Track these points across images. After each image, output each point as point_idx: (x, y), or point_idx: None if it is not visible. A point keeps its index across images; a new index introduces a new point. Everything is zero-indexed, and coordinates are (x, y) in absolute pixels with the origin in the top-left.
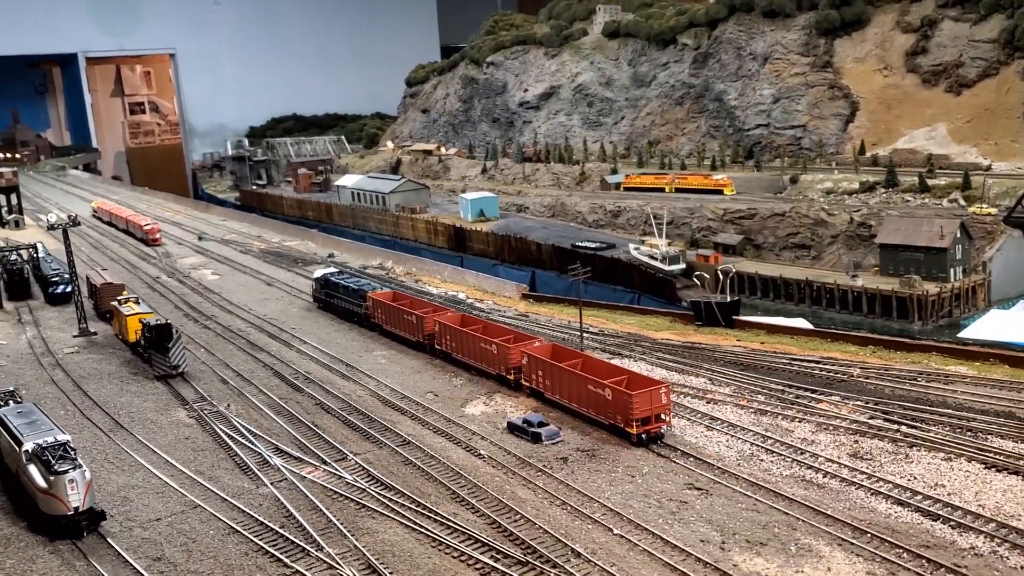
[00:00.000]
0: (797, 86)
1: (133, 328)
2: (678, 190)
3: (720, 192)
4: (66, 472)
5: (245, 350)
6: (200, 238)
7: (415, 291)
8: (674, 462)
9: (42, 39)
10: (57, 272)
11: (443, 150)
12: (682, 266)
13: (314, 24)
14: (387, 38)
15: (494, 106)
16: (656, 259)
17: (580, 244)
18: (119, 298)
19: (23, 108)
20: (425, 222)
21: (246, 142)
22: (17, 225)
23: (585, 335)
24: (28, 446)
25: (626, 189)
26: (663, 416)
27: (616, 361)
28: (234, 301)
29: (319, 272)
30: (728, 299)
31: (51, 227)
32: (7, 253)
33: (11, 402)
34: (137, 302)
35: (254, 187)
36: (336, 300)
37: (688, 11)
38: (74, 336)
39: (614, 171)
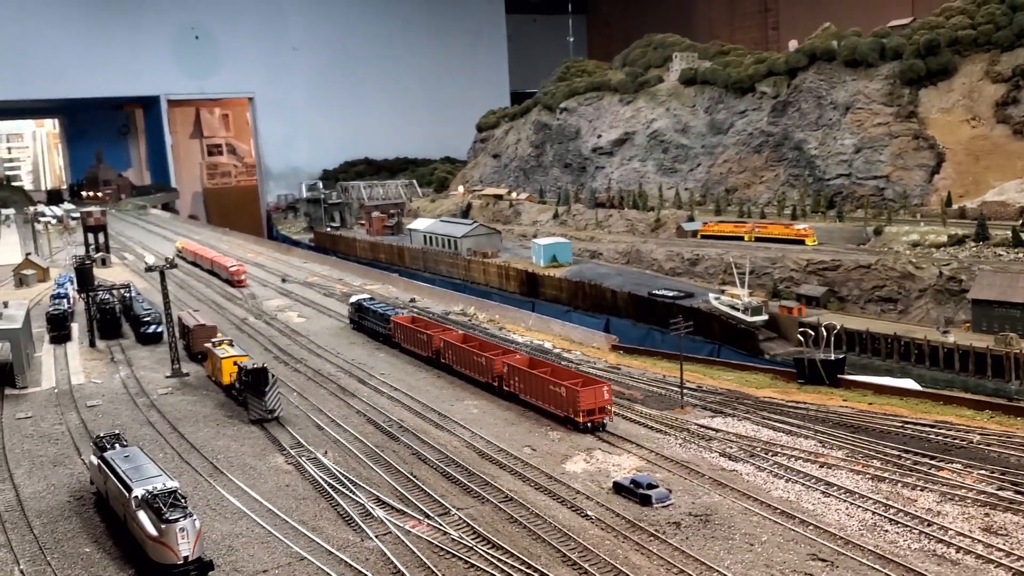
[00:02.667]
0: (880, 136)
1: (228, 371)
2: (758, 239)
3: (801, 242)
4: (177, 521)
5: (337, 395)
6: (283, 280)
7: (499, 338)
8: (793, 530)
9: (127, 82)
10: (149, 312)
11: (514, 195)
12: (764, 317)
13: (387, 70)
14: (458, 84)
15: (566, 151)
16: (737, 309)
17: (657, 292)
18: (213, 340)
19: (106, 148)
20: (497, 266)
21: (320, 185)
22: (104, 263)
23: (684, 391)
24: (138, 492)
25: (703, 237)
26: (606, 409)
27: (717, 420)
28: (322, 344)
29: (354, 298)
30: (833, 356)
31: (149, 269)
32: (101, 292)
33: (117, 445)
34: (231, 344)
35: (328, 229)
36: (366, 322)
37: (767, 59)
38: (167, 376)
39: (691, 218)
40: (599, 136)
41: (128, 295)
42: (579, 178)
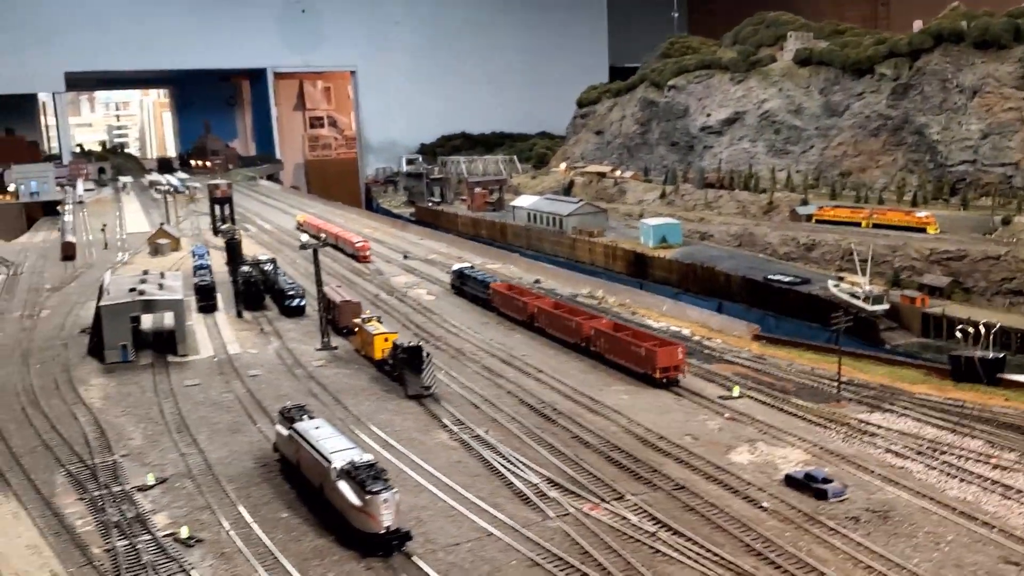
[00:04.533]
0: (1010, 121)
1: (379, 347)
2: (875, 226)
3: (923, 230)
4: (379, 492)
5: (483, 375)
6: (405, 257)
7: (636, 324)
8: (978, 532)
9: (236, 55)
10: (292, 286)
11: (618, 173)
12: (885, 306)
13: (485, 44)
14: (556, 58)
15: (673, 130)
16: (858, 298)
17: (773, 277)
18: (363, 316)
19: (212, 119)
20: (604, 246)
21: (420, 159)
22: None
23: (835, 383)
24: (337, 463)
25: (818, 222)
26: (679, 367)
27: (876, 416)
28: (456, 323)
29: (456, 266)
30: (992, 355)
31: (303, 247)
32: (248, 266)
33: (305, 417)
34: (380, 321)
35: (429, 204)
36: (467, 287)
37: (888, 41)
38: (317, 349)
39: (804, 202)
40: (708, 115)
41: (272, 269)
42: (686, 157)
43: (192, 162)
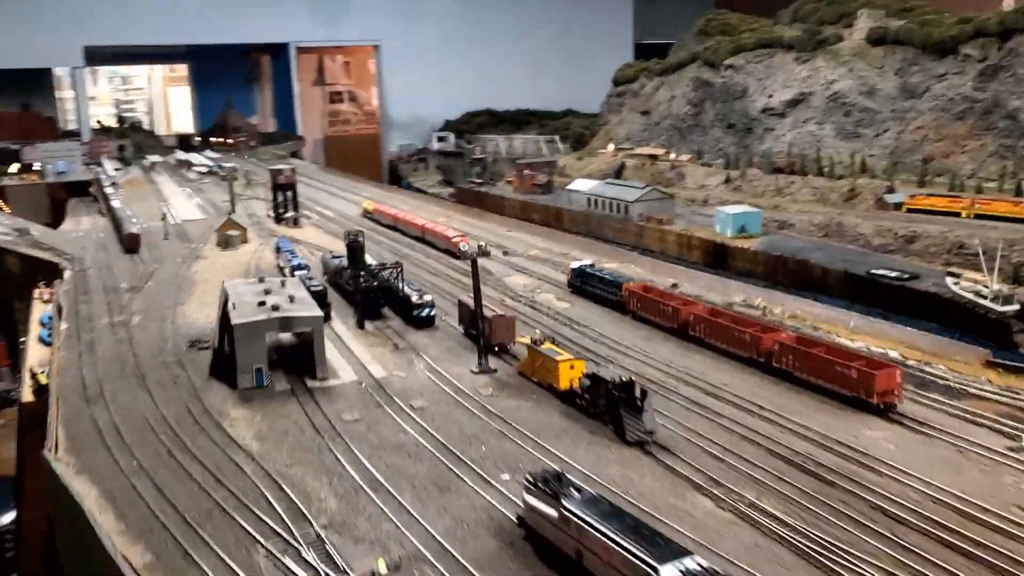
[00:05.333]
0: None
1: (565, 376)
2: (978, 216)
3: None
4: None
5: (694, 411)
6: (505, 254)
7: (820, 338)
8: None
9: (258, 29)
10: (420, 293)
11: (672, 155)
12: (1016, 307)
13: (511, 20)
14: (581, 35)
15: (730, 111)
16: (984, 297)
17: (877, 272)
18: (534, 339)
19: (231, 95)
20: (676, 234)
21: (451, 138)
22: (296, 223)
23: None
24: (668, 571)
25: (909, 211)
26: (896, 392)
27: None
28: (613, 337)
29: (575, 264)
30: None
31: (460, 255)
32: (372, 271)
33: (571, 489)
34: (554, 342)
35: (472, 185)
36: (588, 287)
37: (974, 19)
38: (475, 372)
39: (890, 190)
40: (770, 96)
41: (396, 274)
42: (743, 140)
43: (213, 139)
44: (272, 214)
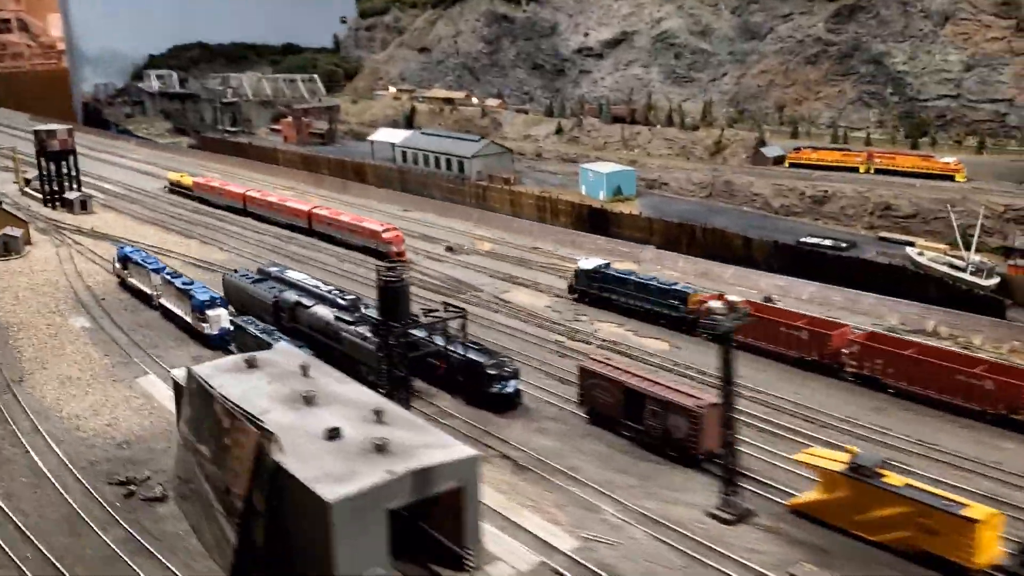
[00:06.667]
0: (997, 53)
1: (985, 542)
2: (879, 171)
3: (950, 178)
4: None
5: None
6: (449, 250)
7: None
8: None
9: None
10: (494, 357)
11: (475, 100)
12: (997, 280)
13: None
14: None
15: (536, 50)
16: (960, 269)
17: (808, 241)
18: (854, 457)
19: None
20: (536, 197)
21: (174, 76)
22: (84, 207)
23: None
24: None
25: (792, 166)
26: None
27: None
28: (813, 405)
29: (589, 264)
30: None
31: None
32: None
33: None
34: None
35: (225, 134)
36: (613, 295)
37: None
38: (721, 518)
39: (761, 142)
40: (586, 34)
41: (459, 327)
42: (553, 82)
43: None
44: (31, 192)
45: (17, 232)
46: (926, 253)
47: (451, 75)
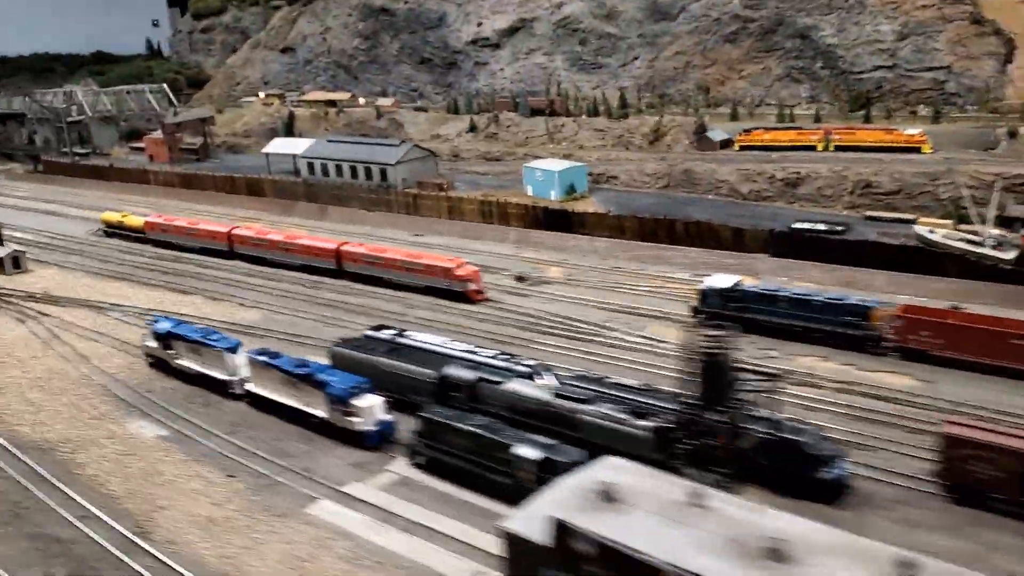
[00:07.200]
0: (930, 20)
1: None
2: (839, 148)
3: (916, 150)
4: None
5: None
6: (520, 279)
7: None
8: None
9: None
10: (814, 435)
11: (361, 100)
12: (1016, 252)
13: None
14: None
15: (423, 44)
16: (978, 244)
17: (801, 227)
18: None
19: None
20: (480, 202)
21: None
22: (17, 265)
23: None
24: None
25: (743, 148)
26: None
27: None
28: None
29: (714, 282)
30: None
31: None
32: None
33: None
34: None
35: (76, 157)
36: (759, 316)
37: None
38: None
39: (702, 127)
40: (479, 24)
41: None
42: (444, 77)
43: None
44: None
45: None
46: (937, 230)
47: (323, 75)
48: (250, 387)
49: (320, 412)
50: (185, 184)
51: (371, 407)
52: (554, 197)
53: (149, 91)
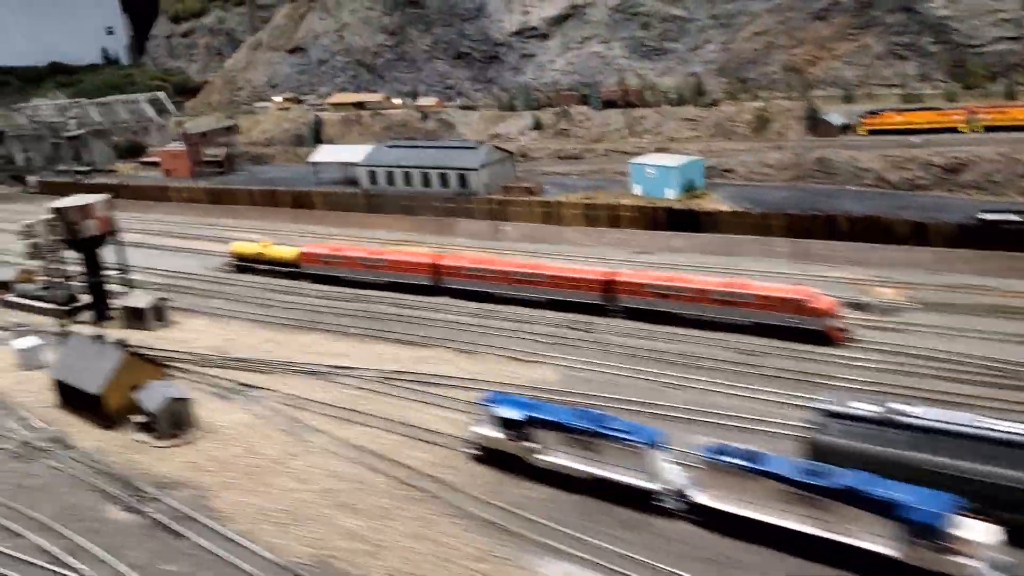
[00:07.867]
0: None
1: None
2: (988, 128)
3: None
4: None
5: None
6: (859, 307)
7: None
8: None
9: None
10: None
11: (396, 100)
12: None
13: None
14: None
15: (459, 37)
16: None
17: (988, 217)
18: None
19: None
20: (585, 205)
21: None
22: (159, 318)
23: None
24: None
25: (872, 133)
26: None
27: None
28: None
29: None
30: None
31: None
32: None
33: None
34: None
35: (77, 176)
36: None
37: None
38: None
39: (812, 111)
40: (525, 12)
41: None
42: (484, 72)
43: None
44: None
45: (180, 392)
46: None
47: (342, 76)
48: (701, 499)
49: (879, 547)
50: (213, 200)
51: (982, 541)
52: (671, 195)
53: (147, 101)
